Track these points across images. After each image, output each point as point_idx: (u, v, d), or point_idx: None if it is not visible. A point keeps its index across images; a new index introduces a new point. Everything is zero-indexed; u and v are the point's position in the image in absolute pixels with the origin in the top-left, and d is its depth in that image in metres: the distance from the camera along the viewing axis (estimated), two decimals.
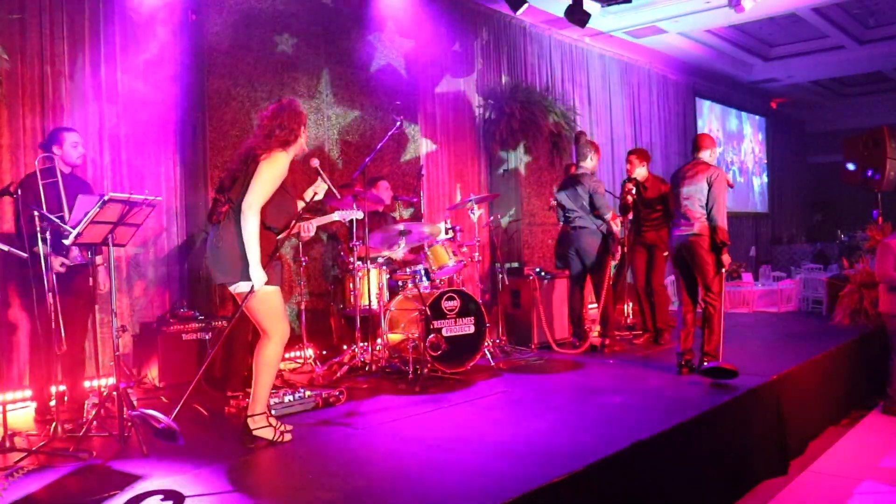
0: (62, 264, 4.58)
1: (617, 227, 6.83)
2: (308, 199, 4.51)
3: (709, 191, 5.63)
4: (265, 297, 4.06)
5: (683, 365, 5.76)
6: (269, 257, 4.10)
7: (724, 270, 5.74)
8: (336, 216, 5.41)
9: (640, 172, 7.31)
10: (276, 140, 4.05)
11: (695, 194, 5.67)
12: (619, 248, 6.90)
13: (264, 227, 4.05)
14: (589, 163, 6.94)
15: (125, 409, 4.07)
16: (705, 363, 5.50)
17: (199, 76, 6.57)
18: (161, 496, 3.31)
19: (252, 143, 4.12)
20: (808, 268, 12.75)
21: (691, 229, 5.69)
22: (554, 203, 7.24)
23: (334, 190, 4.69)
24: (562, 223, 7.14)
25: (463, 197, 8.10)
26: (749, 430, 4.88)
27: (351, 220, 6.00)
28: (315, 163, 4.57)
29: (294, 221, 4.38)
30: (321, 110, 7.47)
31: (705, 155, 5.83)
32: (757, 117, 17.39)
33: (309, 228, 5.19)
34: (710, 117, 15.39)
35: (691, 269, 5.77)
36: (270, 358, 4.09)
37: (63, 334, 4.28)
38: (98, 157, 6.01)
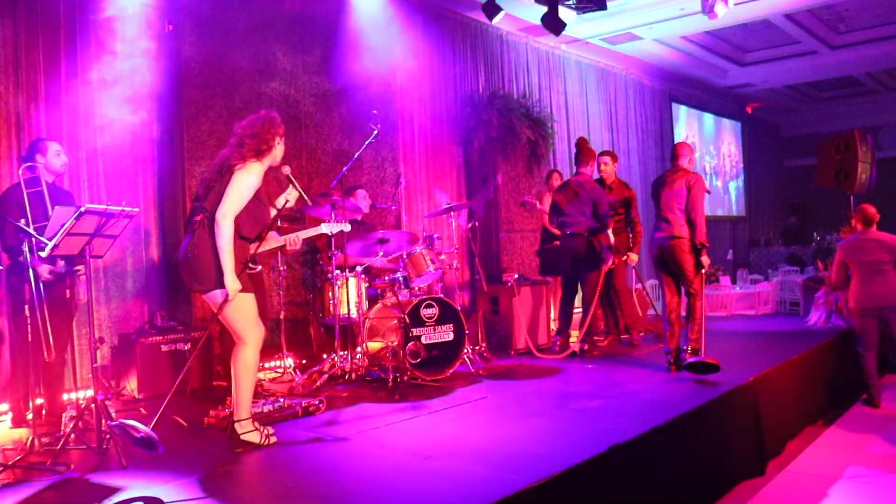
0: (50, 272, 4.56)
1: (611, 235, 6.92)
2: (280, 207, 4.54)
3: (688, 195, 5.89)
4: (239, 304, 4.13)
5: (672, 363, 5.99)
6: (243, 265, 4.15)
7: (703, 271, 6.03)
8: (324, 228, 5.41)
9: (610, 173, 7.43)
10: (249, 149, 4.12)
11: (674, 199, 5.95)
12: (611, 255, 6.96)
13: (238, 236, 4.12)
14: (587, 169, 7.00)
15: (104, 420, 4.05)
16: (689, 356, 5.81)
17: (175, 86, 6.55)
18: None
19: (226, 153, 4.18)
20: (784, 270, 12.89)
21: (672, 232, 5.95)
22: (535, 202, 7.27)
23: (305, 197, 4.71)
24: (554, 227, 7.17)
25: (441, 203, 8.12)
26: (726, 432, 4.93)
27: None
28: (286, 170, 4.62)
29: (268, 231, 4.42)
30: (298, 119, 7.48)
31: (684, 162, 6.12)
32: (733, 122, 17.57)
33: (296, 241, 5.19)
34: (687, 122, 15.53)
35: (673, 270, 6.04)
36: (249, 363, 4.19)
37: (47, 343, 4.25)
38: (75, 168, 5.98)
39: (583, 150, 7.07)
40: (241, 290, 4.08)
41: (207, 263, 4.05)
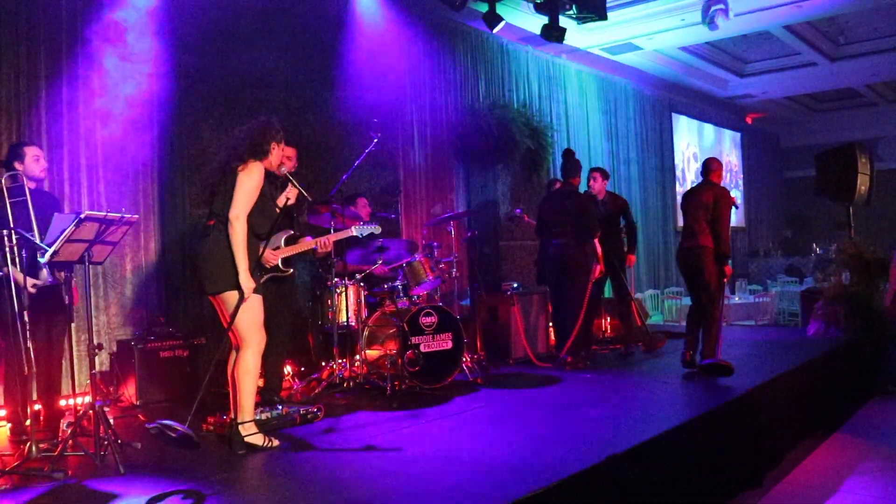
0: (33, 285, 4.51)
1: (599, 246, 6.91)
2: (282, 206, 4.68)
3: (714, 207, 6.24)
4: (251, 306, 4.23)
5: (689, 363, 6.36)
6: (255, 265, 4.26)
7: (724, 280, 6.42)
8: (354, 231, 5.47)
9: (600, 190, 7.47)
10: (246, 151, 4.24)
11: (702, 211, 6.30)
12: (598, 266, 6.95)
13: (253, 234, 4.26)
14: (575, 180, 7.04)
15: (105, 426, 4.05)
16: (702, 361, 6.17)
17: (176, 93, 6.57)
18: None
19: (224, 158, 4.30)
20: (783, 281, 12.92)
21: (698, 242, 6.30)
22: (518, 213, 7.29)
23: (305, 194, 4.82)
24: (541, 238, 7.17)
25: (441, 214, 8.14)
26: (724, 443, 4.93)
27: None
28: (284, 170, 4.72)
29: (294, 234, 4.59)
30: (298, 127, 7.49)
31: (713, 177, 6.49)
32: (733, 132, 17.60)
33: (327, 243, 5.29)
34: (687, 132, 15.56)
35: (695, 278, 6.40)
36: (250, 366, 4.28)
37: (33, 355, 4.22)
38: (75, 174, 5.99)
39: (572, 162, 7.11)
40: (254, 291, 4.19)
41: (222, 264, 4.16)
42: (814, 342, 7.91)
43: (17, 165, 4.71)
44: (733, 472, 4.93)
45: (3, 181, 4.37)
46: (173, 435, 3.81)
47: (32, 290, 4.42)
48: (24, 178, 4.62)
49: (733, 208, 6.47)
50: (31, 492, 3.64)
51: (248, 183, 4.19)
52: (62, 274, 4.61)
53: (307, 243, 5.12)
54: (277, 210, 4.64)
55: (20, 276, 4.21)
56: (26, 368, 4.24)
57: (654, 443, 4.18)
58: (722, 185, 6.53)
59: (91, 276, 4.31)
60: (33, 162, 4.78)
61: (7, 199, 4.29)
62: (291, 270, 5.00)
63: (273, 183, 5.03)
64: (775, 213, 19.27)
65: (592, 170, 7.64)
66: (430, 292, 6.55)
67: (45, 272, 4.41)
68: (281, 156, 4.47)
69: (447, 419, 4.98)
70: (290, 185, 4.78)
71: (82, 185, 6.03)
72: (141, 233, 6.38)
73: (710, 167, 6.53)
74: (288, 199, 4.77)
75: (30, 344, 4.14)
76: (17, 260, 4.14)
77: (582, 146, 11.74)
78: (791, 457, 5.72)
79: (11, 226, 4.17)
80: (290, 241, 5.05)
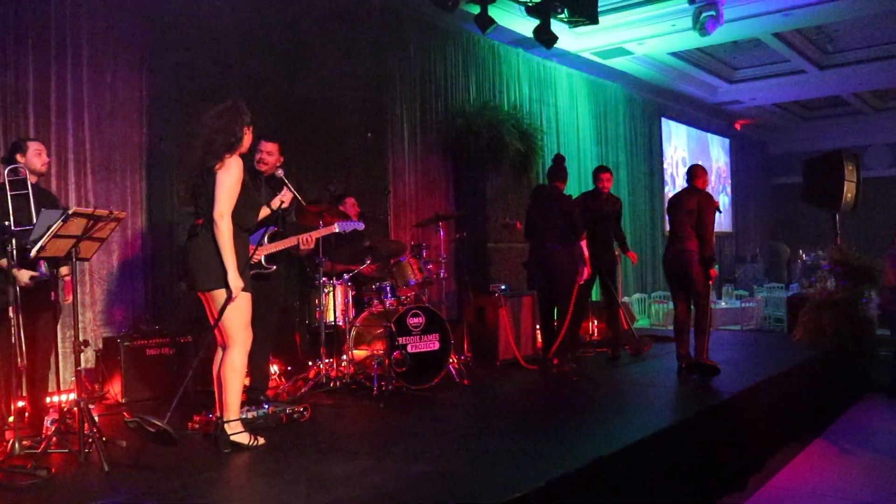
0: (31, 278, 4.48)
1: (585, 249, 6.92)
2: (275, 208, 4.67)
3: (699, 212, 6.40)
4: (239, 305, 4.22)
5: (684, 367, 6.46)
6: (246, 262, 4.27)
7: (710, 282, 6.55)
8: (336, 228, 5.46)
9: (608, 188, 7.54)
10: (220, 146, 4.20)
11: (688, 216, 6.46)
12: (585, 268, 6.96)
13: (240, 230, 4.26)
14: (561, 184, 7.07)
15: (90, 424, 4.03)
16: (692, 359, 6.37)
17: (165, 89, 6.54)
18: None
19: (201, 157, 4.26)
20: (769, 287, 12.99)
21: (684, 246, 6.45)
22: (509, 221, 7.31)
23: (299, 198, 4.80)
24: (528, 241, 7.18)
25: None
26: (708, 447, 4.95)
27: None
28: (280, 172, 4.72)
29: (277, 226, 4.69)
30: (289, 126, 7.47)
31: (698, 183, 6.67)
32: (722, 138, 17.69)
33: (309, 240, 5.27)
34: (676, 138, 15.63)
35: (683, 281, 6.53)
36: (237, 365, 4.27)
37: (24, 350, 4.21)
38: (63, 170, 5.96)
39: (561, 167, 7.13)
40: (242, 290, 4.19)
41: (211, 262, 4.16)
42: (799, 347, 7.96)
43: (18, 158, 4.70)
44: (717, 475, 4.95)
45: (6, 173, 4.39)
46: (151, 430, 3.79)
47: (30, 283, 4.40)
48: (27, 172, 4.60)
49: (717, 213, 6.61)
50: (14, 489, 3.61)
51: (228, 180, 4.17)
52: (44, 268, 4.59)
53: (289, 240, 5.11)
54: (269, 211, 4.66)
55: (15, 270, 4.20)
56: (20, 362, 4.22)
57: (640, 445, 4.20)
58: (706, 190, 6.68)
59: (77, 272, 4.28)
60: (35, 156, 4.75)
61: (8, 192, 4.30)
62: (274, 268, 4.99)
63: (256, 179, 5.03)
64: (763, 219, 19.37)
65: (603, 171, 7.60)
66: (418, 293, 6.54)
67: (42, 266, 4.40)
68: (251, 137, 4.42)
69: (433, 421, 4.98)
70: (285, 188, 4.76)
71: (70, 180, 6.00)
72: (128, 229, 6.35)
73: (695, 173, 6.70)
74: (282, 202, 4.74)
75: (25, 336, 4.13)
76: (10, 254, 4.11)
77: (572, 149, 11.76)
78: (775, 460, 5.75)
79: (11, 218, 4.17)
80: (274, 239, 5.05)
